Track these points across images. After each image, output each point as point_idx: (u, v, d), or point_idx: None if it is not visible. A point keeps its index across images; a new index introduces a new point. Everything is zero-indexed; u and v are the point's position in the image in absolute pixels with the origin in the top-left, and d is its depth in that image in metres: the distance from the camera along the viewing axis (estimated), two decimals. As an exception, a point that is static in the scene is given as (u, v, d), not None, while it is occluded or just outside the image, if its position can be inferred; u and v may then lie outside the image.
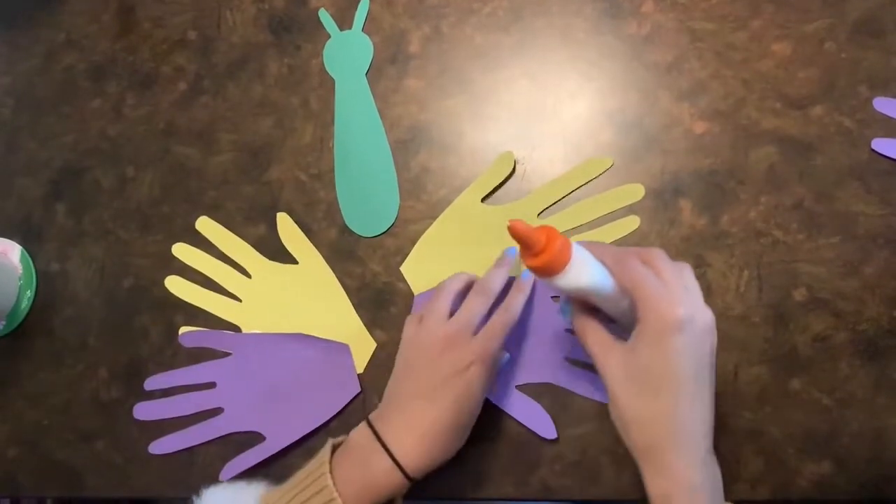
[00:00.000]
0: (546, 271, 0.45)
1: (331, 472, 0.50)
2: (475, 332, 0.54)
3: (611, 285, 0.47)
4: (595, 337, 0.49)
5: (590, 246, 0.48)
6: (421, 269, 0.63)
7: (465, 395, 0.52)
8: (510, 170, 0.63)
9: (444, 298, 0.56)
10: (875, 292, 0.54)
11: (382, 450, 0.50)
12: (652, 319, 0.45)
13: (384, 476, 0.50)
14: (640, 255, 0.48)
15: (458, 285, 0.57)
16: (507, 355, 0.58)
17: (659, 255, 0.48)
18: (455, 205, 0.63)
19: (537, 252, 0.44)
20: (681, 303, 0.45)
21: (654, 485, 0.46)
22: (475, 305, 0.55)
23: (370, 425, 0.52)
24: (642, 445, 0.46)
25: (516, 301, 0.56)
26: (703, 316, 0.46)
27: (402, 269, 0.63)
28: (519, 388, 0.58)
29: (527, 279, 0.58)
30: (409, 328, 0.56)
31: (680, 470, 0.45)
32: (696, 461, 0.45)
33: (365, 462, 0.51)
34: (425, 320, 0.55)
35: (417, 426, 0.51)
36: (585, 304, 0.50)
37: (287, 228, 0.67)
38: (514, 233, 0.44)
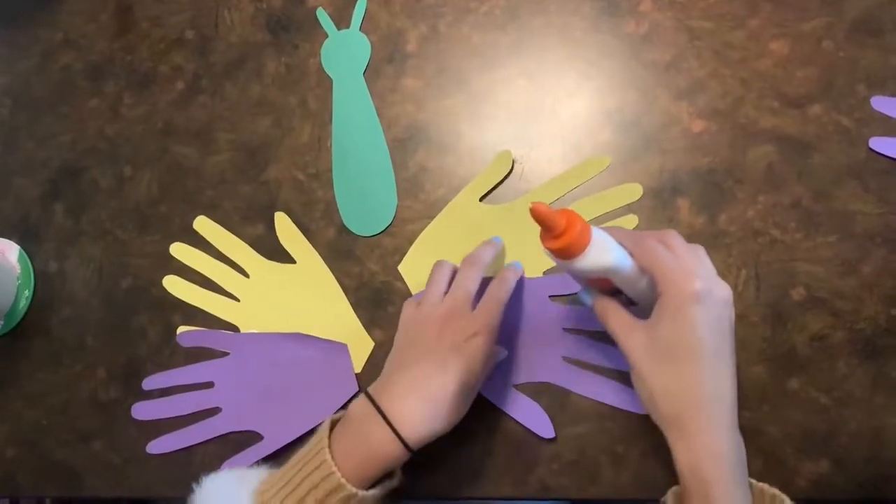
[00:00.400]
0: (567, 253, 0.46)
1: (329, 446, 0.50)
2: (472, 307, 0.55)
3: (629, 265, 0.48)
4: (616, 317, 0.50)
5: (607, 229, 0.49)
6: (418, 269, 0.63)
7: (468, 365, 0.52)
8: (508, 169, 0.63)
9: (440, 279, 0.57)
10: (873, 291, 0.54)
11: (381, 420, 0.50)
12: (672, 293, 0.47)
13: (383, 447, 0.50)
14: (656, 236, 0.49)
15: (451, 267, 0.58)
16: (504, 352, 0.58)
17: (674, 236, 0.49)
18: (453, 204, 0.63)
19: (558, 234, 0.45)
20: (698, 276, 0.47)
21: (681, 454, 0.46)
22: (468, 277, 0.56)
23: (369, 396, 0.52)
24: (669, 416, 0.47)
25: (509, 275, 0.57)
26: (721, 289, 0.48)
27: (400, 268, 0.63)
28: (517, 387, 0.58)
29: (518, 266, 0.59)
30: (408, 310, 0.57)
31: (706, 438, 0.46)
32: (721, 430, 0.46)
33: (364, 434, 0.50)
34: (423, 300, 0.56)
35: (419, 396, 0.51)
36: (603, 290, 0.51)
37: (285, 228, 0.66)
38: (536, 215, 0.44)
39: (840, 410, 0.53)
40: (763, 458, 0.53)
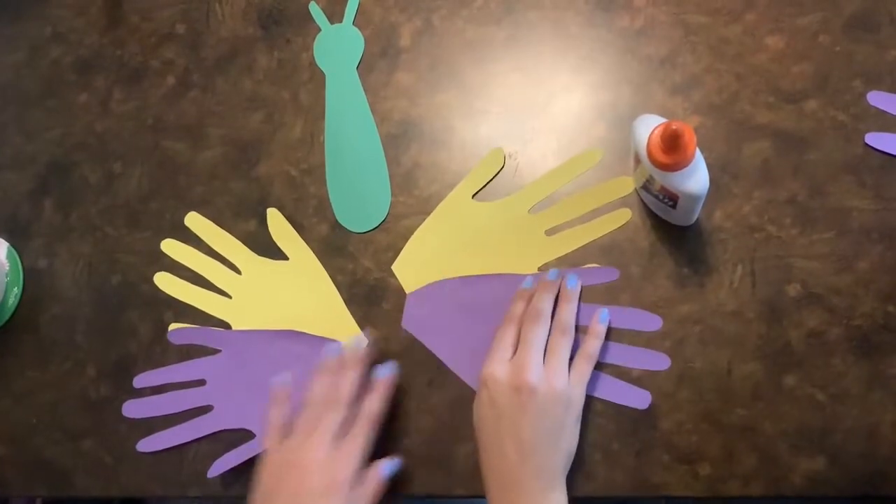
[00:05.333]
0: (677, 166, 0.49)
1: None
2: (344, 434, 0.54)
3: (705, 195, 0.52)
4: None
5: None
6: (412, 268, 0.62)
7: None
8: (500, 166, 0.62)
9: (310, 414, 0.56)
10: (869, 287, 0.54)
11: None
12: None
13: None
14: (528, 313, 0.55)
15: (323, 389, 0.57)
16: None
17: (534, 320, 0.54)
18: (446, 202, 0.63)
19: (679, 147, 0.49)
20: (496, 360, 0.53)
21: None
22: (328, 422, 0.54)
23: None
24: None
25: (374, 403, 0.56)
26: (520, 380, 0.52)
27: (394, 267, 0.62)
28: None
29: (383, 377, 0.57)
30: (270, 442, 0.56)
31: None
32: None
33: None
34: (289, 437, 0.55)
35: None
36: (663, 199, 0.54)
37: (278, 224, 0.66)
38: (670, 131, 0.48)
39: (835, 407, 0.53)
40: (758, 455, 0.53)
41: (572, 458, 0.53)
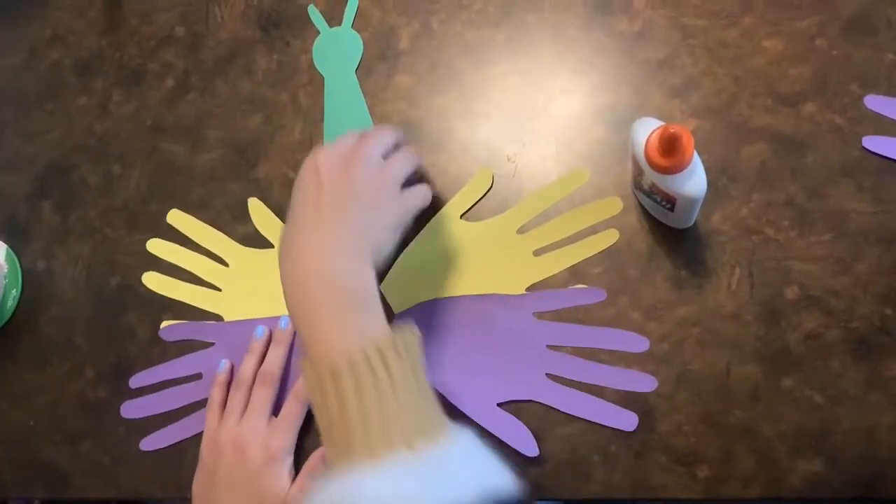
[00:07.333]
0: (674, 168, 0.49)
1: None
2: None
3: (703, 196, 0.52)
4: None
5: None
6: (401, 288, 0.62)
7: (263, 497, 0.54)
8: (488, 186, 0.62)
9: (242, 392, 0.59)
10: (867, 290, 0.54)
11: None
12: None
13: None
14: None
15: (246, 387, 0.59)
16: None
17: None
18: (433, 222, 0.63)
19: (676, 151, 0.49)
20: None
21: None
22: (260, 398, 0.58)
23: None
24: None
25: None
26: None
27: (382, 288, 0.62)
28: (501, 405, 0.57)
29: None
30: (211, 421, 0.59)
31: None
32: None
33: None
34: (225, 416, 0.58)
35: None
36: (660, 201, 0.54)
37: (259, 213, 0.66)
38: (668, 135, 0.47)
39: (833, 409, 0.53)
40: (756, 457, 0.53)
41: None
